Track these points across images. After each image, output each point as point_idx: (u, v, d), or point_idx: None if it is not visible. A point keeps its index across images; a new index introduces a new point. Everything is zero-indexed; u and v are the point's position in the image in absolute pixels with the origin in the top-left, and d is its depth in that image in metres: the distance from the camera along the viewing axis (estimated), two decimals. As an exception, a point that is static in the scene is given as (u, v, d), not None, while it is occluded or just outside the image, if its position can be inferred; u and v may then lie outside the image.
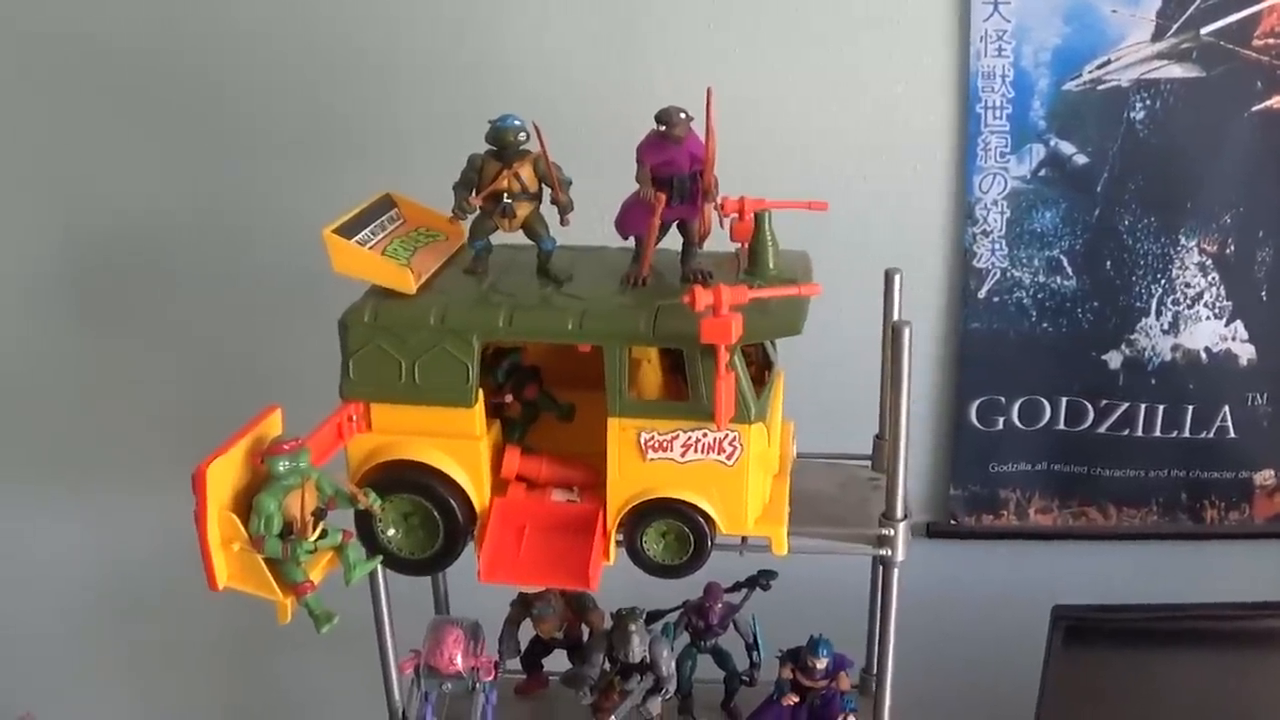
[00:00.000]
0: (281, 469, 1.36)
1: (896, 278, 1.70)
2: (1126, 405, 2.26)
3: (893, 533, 1.56)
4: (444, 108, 2.12)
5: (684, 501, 1.50)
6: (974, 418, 2.28)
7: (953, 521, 2.37)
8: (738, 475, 1.49)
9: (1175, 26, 2.02)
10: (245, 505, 1.37)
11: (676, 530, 1.52)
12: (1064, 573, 2.38)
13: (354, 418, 1.51)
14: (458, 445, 1.52)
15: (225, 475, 1.36)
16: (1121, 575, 2.37)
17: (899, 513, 1.56)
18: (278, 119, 2.17)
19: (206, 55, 2.14)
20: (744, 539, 1.56)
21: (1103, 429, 2.28)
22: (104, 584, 2.59)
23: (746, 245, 1.56)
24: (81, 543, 2.55)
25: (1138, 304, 2.19)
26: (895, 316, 1.68)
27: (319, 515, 1.40)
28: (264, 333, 2.32)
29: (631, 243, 1.56)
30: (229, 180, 2.22)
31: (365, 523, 1.53)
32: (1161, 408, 2.25)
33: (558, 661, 1.90)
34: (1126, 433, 2.28)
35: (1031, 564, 2.41)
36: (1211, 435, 2.27)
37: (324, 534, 1.41)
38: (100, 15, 2.12)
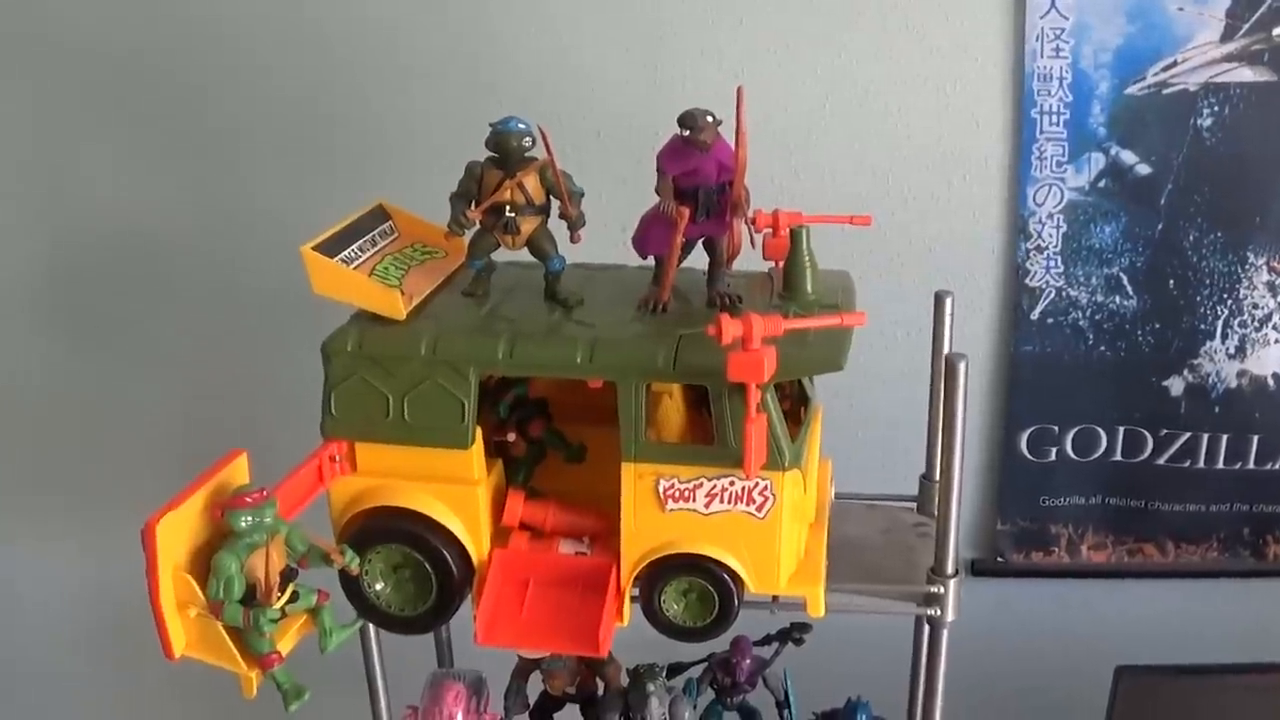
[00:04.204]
0: (243, 525, 1.23)
1: (948, 301, 1.58)
2: (1188, 435, 2.19)
3: (942, 590, 1.44)
4: (449, 108, 2.04)
5: (708, 557, 1.36)
6: (1024, 448, 2.21)
7: (1000, 559, 2.30)
8: (769, 528, 1.34)
9: (1246, 26, 1.95)
10: (205, 563, 1.25)
11: (699, 589, 1.38)
12: (1119, 614, 2.33)
13: (336, 458, 1.39)
14: (452, 490, 1.38)
15: (180, 530, 1.23)
16: (1179, 615, 2.31)
17: (949, 568, 1.43)
18: (274, 123, 2.11)
19: (198, 60, 2.08)
20: (775, 597, 1.43)
21: (1162, 460, 2.21)
22: (91, 609, 2.53)
23: (781, 264, 1.44)
24: (67, 565, 2.49)
25: (1202, 326, 2.12)
26: (947, 345, 1.58)
27: (288, 576, 1.26)
28: (262, 350, 2.24)
29: (651, 261, 1.44)
30: (223, 190, 2.16)
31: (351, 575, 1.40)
32: (1225, 437, 2.19)
33: (569, 717, 1.79)
34: (1188, 464, 2.21)
35: (1084, 604, 2.34)
36: (1278, 467, 2.20)
37: (295, 597, 1.28)
38: (87, 18, 2.07)
